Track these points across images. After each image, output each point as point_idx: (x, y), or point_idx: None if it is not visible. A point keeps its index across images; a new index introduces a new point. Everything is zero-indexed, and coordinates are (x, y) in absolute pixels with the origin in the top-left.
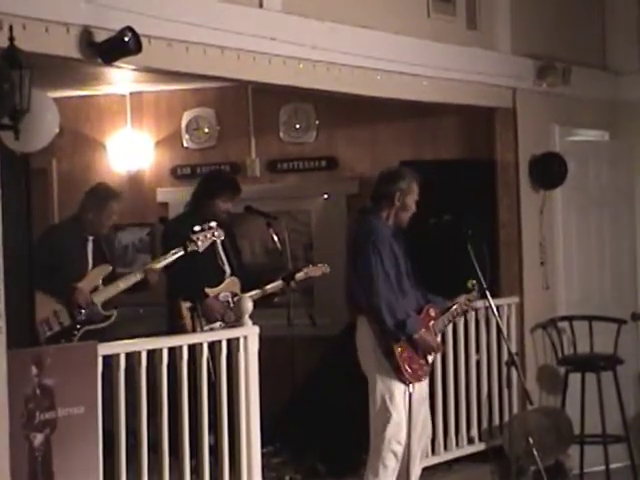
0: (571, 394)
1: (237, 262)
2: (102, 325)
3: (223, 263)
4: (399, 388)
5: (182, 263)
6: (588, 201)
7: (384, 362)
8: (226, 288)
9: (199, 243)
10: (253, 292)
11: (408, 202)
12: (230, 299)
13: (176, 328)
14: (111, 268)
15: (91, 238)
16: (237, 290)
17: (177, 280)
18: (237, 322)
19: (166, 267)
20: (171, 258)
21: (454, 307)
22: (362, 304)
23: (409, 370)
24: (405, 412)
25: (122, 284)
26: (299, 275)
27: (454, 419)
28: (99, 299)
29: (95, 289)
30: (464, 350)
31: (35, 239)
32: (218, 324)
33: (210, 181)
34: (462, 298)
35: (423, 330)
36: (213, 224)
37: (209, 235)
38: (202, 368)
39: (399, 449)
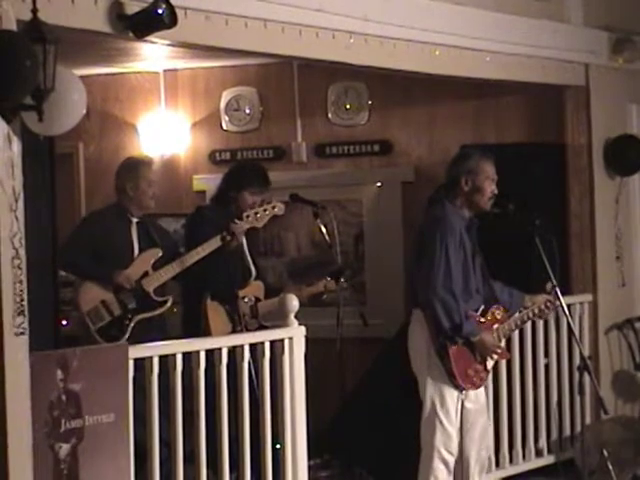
0: None
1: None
2: (156, 313)
3: (249, 263)
4: (451, 393)
5: (216, 258)
6: None
7: (437, 363)
8: (251, 291)
9: (259, 219)
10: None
11: (480, 184)
12: (253, 304)
13: (199, 331)
14: (161, 252)
15: (135, 221)
16: (261, 295)
17: (207, 276)
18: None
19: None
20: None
21: (525, 311)
22: (420, 297)
23: (463, 375)
24: (457, 420)
25: (184, 263)
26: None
27: (520, 429)
28: (151, 285)
29: (145, 275)
30: (532, 353)
31: (75, 226)
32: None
33: (236, 171)
34: (540, 298)
35: (484, 333)
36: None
37: (268, 209)
38: (243, 373)
39: (450, 459)
